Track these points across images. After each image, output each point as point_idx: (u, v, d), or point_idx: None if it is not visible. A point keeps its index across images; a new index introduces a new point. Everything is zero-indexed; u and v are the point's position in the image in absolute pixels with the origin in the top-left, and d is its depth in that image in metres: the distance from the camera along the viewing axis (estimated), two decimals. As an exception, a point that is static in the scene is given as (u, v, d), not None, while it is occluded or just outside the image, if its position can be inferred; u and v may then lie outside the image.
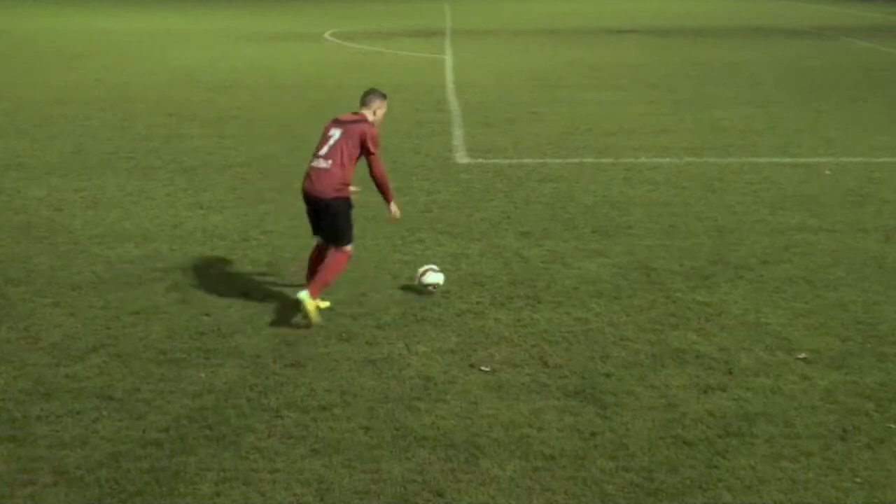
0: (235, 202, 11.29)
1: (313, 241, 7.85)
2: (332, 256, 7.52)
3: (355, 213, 7.72)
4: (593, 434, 5.91)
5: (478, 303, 8.09)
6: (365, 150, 7.51)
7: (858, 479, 5.43)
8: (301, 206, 7.89)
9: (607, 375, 6.72)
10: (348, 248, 7.61)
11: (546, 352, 7.11)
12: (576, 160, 13.23)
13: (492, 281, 8.66)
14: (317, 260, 7.72)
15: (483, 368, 6.84)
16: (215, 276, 8.70)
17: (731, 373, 6.77)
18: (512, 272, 8.90)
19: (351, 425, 6.00)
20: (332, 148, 7.48)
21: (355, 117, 7.61)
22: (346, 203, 7.53)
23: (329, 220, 7.50)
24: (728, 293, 8.31)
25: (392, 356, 7.03)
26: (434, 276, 8.18)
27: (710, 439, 5.85)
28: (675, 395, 6.44)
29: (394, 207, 7.89)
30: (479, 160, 13.26)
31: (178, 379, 6.63)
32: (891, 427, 6.01)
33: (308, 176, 7.53)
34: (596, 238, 9.97)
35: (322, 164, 7.48)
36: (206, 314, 7.79)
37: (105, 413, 6.10)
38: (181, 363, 6.88)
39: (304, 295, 7.33)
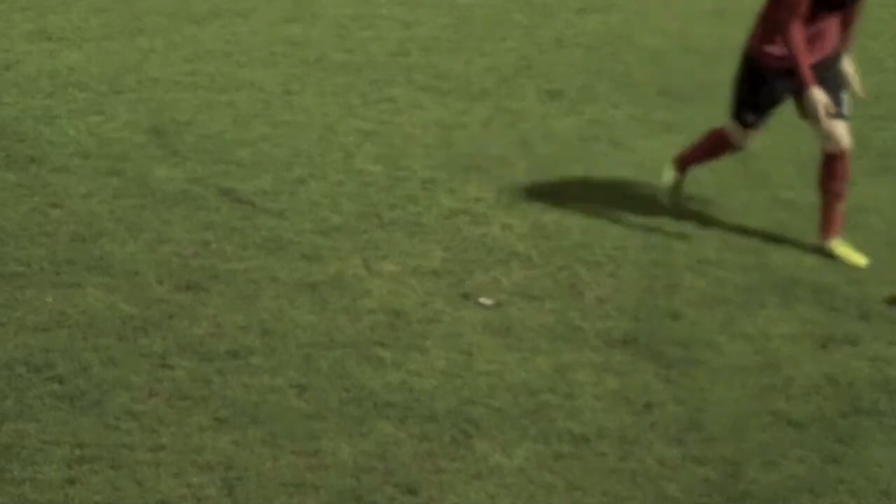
0: (101, 31, 11.22)
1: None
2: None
3: None
4: (649, 406, 5.98)
5: (478, 199, 8.11)
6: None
7: None
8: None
9: (674, 317, 6.78)
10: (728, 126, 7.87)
11: (581, 277, 7.15)
12: (638, -21, 13.15)
13: (500, 165, 8.66)
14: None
15: (483, 301, 6.90)
16: (71, 147, 8.70)
17: (865, 318, 6.83)
18: (531, 153, 8.90)
19: (276, 382, 6.05)
20: None
21: None
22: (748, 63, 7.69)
23: None
24: (867, 194, 8.34)
25: (342, 278, 7.06)
26: None
27: (830, 419, 5.91)
28: (778, 351, 6.50)
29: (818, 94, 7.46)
30: (486, -25, 13.16)
31: (13, 304, 6.68)
32: None
33: None
34: (665, 103, 9.95)
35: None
36: (55, 205, 7.80)
37: None
38: (17, 281, 6.92)
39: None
